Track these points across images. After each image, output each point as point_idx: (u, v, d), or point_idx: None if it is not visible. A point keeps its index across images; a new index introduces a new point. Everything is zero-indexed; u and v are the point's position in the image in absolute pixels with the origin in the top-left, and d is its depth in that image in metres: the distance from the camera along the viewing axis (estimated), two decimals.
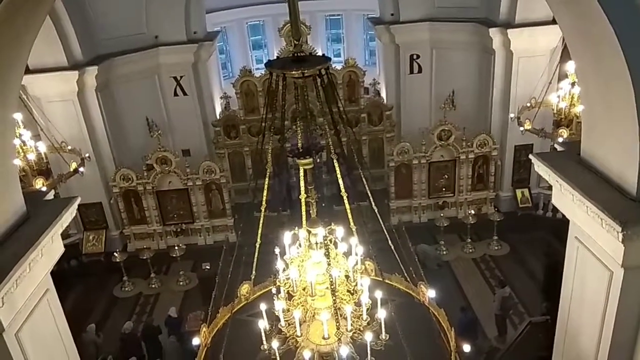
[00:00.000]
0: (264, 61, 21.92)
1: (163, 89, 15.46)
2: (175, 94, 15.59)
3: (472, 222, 13.90)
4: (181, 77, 15.42)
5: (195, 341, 5.01)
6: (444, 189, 15.01)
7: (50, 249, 4.24)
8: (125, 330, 10.37)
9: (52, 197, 4.55)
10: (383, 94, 17.23)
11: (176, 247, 13.41)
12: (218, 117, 16.33)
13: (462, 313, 10.20)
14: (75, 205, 4.46)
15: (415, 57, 15.84)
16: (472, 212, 14.32)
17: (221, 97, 17.22)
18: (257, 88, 15.60)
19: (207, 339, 4.93)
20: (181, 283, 13.37)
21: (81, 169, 9.80)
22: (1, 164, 3.86)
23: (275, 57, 16.12)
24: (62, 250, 4.51)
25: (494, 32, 13.66)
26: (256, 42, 23.22)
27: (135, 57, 14.28)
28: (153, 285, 13.34)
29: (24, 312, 3.99)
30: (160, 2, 14.36)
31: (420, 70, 15.96)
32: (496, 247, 13.96)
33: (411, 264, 5.28)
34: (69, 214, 4.36)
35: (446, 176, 14.91)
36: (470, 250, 13.94)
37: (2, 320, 3.59)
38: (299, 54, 3.58)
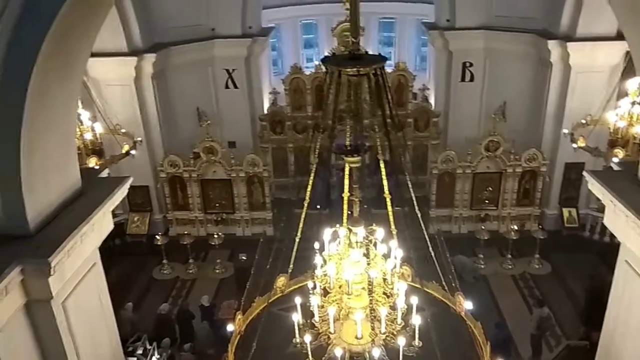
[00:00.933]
0: (314, 60, 22.12)
1: (215, 80, 15.80)
2: (227, 87, 15.90)
3: (514, 237, 13.55)
4: (233, 70, 15.72)
5: (230, 327, 5.11)
6: (487, 201, 14.68)
7: (100, 225, 4.41)
8: (161, 311, 10.67)
9: (105, 175, 4.72)
10: (431, 100, 17.03)
11: (215, 236, 13.68)
12: (265, 111, 16.55)
13: (497, 329, 9.96)
14: (127, 185, 4.63)
15: (468, 64, 15.57)
16: (515, 227, 13.94)
17: (270, 93, 17.45)
18: (306, 86, 15.72)
19: (242, 326, 5.03)
20: (217, 271, 13.64)
21: (133, 152, 10.16)
22: (64, 140, 4.05)
23: (326, 56, 16.29)
24: (111, 227, 4.68)
25: (552, 45, 13.26)
26: (308, 40, 23.40)
27: (191, 47, 14.66)
28: (190, 271, 13.67)
29: (71, 283, 4.17)
30: None
31: (472, 79, 15.69)
32: (537, 266, 13.55)
33: (447, 275, 5.21)
34: (121, 193, 4.53)
35: (490, 188, 14.58)
36: (510, 267, 13.59)
37: (52, 288, 3.75)
38: (355, 52, 3.59)
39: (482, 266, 13.49)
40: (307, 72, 16.44)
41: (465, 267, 12.61)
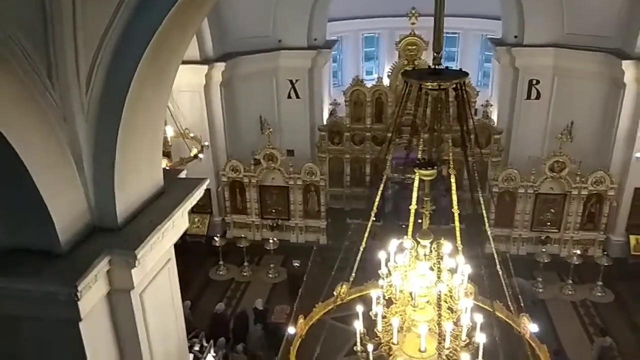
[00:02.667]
0: (374, 73, 22.21)
1: (278, 90, 16.21)
2: (289, 97, 16.27)
3: (576, 262, 13.03)
4: (296, 80, 16.06)
5: (291, 330, 5.23)
6: (548, 224, 14.19)
7: (179, 222, 4.59)
8: (217, 311, 10.99)
9: (184, 176, 4.96)
10: (494, 117, 16.70)
11: (270, 241, 13.97)
12: (325, 122, 16.78)
13: (555, 356, 9.58)
14: (204, 186, 4.82)
15: (534, 82, 15.20)
16: (578, 252, 13.40)
17: (330, 104, 17.69)
18: (366, 98, 15.84)
19: (303, 330, 5.13)
20: (270, 275, 13.90)
21: (201, 155, 10.58)
22: (152, 143, 4.29)
23: (388, 71, 16.43)
24: (187, 225, 4.86)
25: (627, 65, 12.75)
26: (368, 53, 23.53)
27: (258, 57, 15.14)
28: (245, 273, 14.00)
29: (149, 275, 4.35)
30: (288, 8, 15.12)
31: (538, 97, 15.29)
32: (599, 294, 12.94)
33: (502, 297, 5.10)
34: (199, 193, 4.72)
35: (553, 210, 14.10)
36: (570, 292, 13.05)
37: (134, 279, 3.94)
38: (436, 67, 3.65)
39: (541, 290, 13.04)
40: (368, 84, 16.56)
41: (523, 290, 12.19)
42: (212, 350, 9.28)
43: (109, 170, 3.73)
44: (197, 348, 9.02)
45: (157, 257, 4.43)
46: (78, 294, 3.27)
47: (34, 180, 3.19)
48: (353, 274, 5.41)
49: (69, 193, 3.56)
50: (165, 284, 4.83)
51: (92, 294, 3.62)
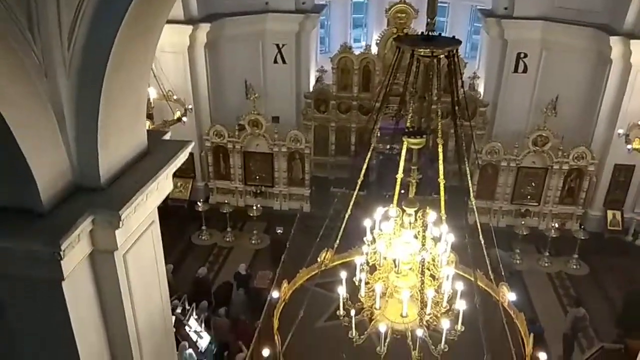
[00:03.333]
0: (362, 40, 21.91)
1: (265, 54, 15.90)
2: (275, 61, 15.99)
3: (554, 235, 13.33)
4: (283, 45, 15.77)
5: (275, 294, 5.28)
6: (529, 197, 14.43)
7: (163, 184, 4.54)
8: (199, 275, 11.05)
9: (168, 138, 4.88)
10: (480, 89, 16.69)
11: (254, 207, 13.98)
12: (311, 89, 16.60)
13: (531, 324, 9.88)
14: (189, 148, 4.76)
15: (522, 55, 15.17)
16: (556, 225, 13.69)
17: (317, 71, 17.45)
18: (354, 66, 15.66)
19: (287, 294, 5.18)
20: (253, 242, 13.96)
21: (184, 119, 10.41)
22: (136, 102, 4.20)
23: (376, 39, 16.20)
24: (171, 188, 4.82)
25: (614, 41, 12.77)
26: (356, 20, 23.13)
27: (245, 19, 14.77)
28: (228, 239, 14.03)
29: (133, 237, 4.33)
30: None
31: (525, 70, 15.29)
32: (575, 266, 13.31)
33: (481, 267, 5.20)
34: (184, 155, 4.66)
35: (534, 184, 14.32)
36: (546, 264, 13.40)
37: (118, 239, 3.91)
38: (429, 33, 3.59)
39: (518, 261, 13.35)
40: (355, 52, 16.35)
41: (502, 261, 12.48)
42: (194, 313, 9.38)
43: (92, 129, 3.64)
44: (179, 311, 9.09)
45: (141, 219, 4.40)
46: (61, 253, 3.24)
47: (15, 137, 3.10)
48: (337, 241, 5.46)
49: (51, 151, 3.48)
50: (148, 246, 4.81)
51: (75, 254, 3.59)
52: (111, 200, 3.81)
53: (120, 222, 3.78)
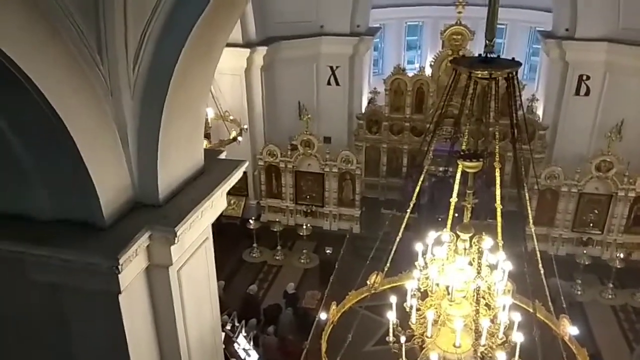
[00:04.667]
0: (416, 62, 21.81)
1: (318, 76, 16.10)
2: (329, 83, 16.15)
3: (619, 266, 12.55)
4: (337, 67, 15.93)
5: (323, 316, 5.23)
6: (591, 225, 13.70)
7: (217, 202, 4.63)
8: (250, 291, 11.14)
9: (223, 157, 4.98)
10: (539, 112, 16.17)
11: (304, 226, 14.03)
12: (363, 110, 16.63)
13: None
14: (243, 168, 4.84)
15: (584, 77, 14.59)
16: (621, 255, 12.89)
17: (370, 92, 17.49)
18: (407, 87, 15.58)
19: (335, 317, 5.12)
20: (302, 261, 13.98)
21: (240, 138, 10.66)
22: (195, 122, 4.32)
23: (430, 60, 16.08)
24: (224, 206, 4.90)
25: None
26: (411, 42, 23.09)
27: (300, 43, 15.06)
28: (277, 257, 14.12)
29: (187, 253, 4.42)
30: None
31: (587, 93, 14.67)
32: None
33: (540, 297, 4.94)
34: (238, 174, 4.74)
35: (596, 211, 13.60)
36: (610, 296, 12.61)
37: (173, 255, 3.99)
38: (488, 55, 3.51)
39: (579, 292, 12.64)
40: (409, 73, 16.27)
41: (561, 291, 11.86)
42: (243, 331, 9.43)
43: (152, 147, 3.77)
44: (228, 327, 9.17)
45: (196, 236, 4.49)
46: (119, 266, 3.34)
47: (80, 154, 3.25)
48: (387, 264, 5.36)
49: (114, 168, 3.63)
50: (202, 262, 4.90)
51: (132, 268, 3.70)
52: (168, 217, 3.91)
53: (176, 239, 3.87)
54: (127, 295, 3.77)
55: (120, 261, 3.37)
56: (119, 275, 3.43)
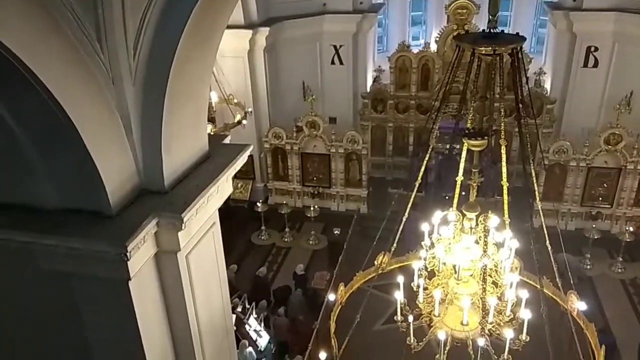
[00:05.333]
0: (421, 38, 21.51)
1: (322, 56, 15.97)
2: (332, 62, 16.02)
3: (628, 240, 12.51)
4: (340, 46, 15.77)
5: (331, 297, 5.27)
6: (600, 199, 13.63)
7: (223, 187, 4.63)
8: (259, 274, 11.25)
9: (228, 142, 4.97)
10: (546, 86, 15.96)
11: (311, 208, 14.07)
12: (368, 89, 16.49)
13: (601, 335, 9.31)
14: (248, 152, 4.82)
15: (592, 49, 14.34)
16: (630, 229, 12.84)
17: (374, 70, 17.33)
18: (412, 65, 15.42)
19: (343, 297, 5.16)
20: (311, 242, 14.05)
21: (244, 122, 10.63)
22: (198, 107, 4.30)
23: (435, 36, 15.87)
24: (230, 190, 4.90)
25: None
26: (415, 18, 22.73)
27: (302, 22, 14.89)
28: (286, 239, 14.21)
29: (195, 238, 4.44)
30: None
31: (596, 65, 14.45)
32: None
33: (548, 273, 4.94)
34: (243, 159, 4.73)
35: (605, 185, 13.51)
36: (620, 270, 12.59)
37: (180, 241, 4.02)
38: (491, 31, 3.44)
39: (589, 267, 12.64)
40: (414, 50, 16.07)
41: (570, 267, 11.87)
42: (254, 312, 9.54)
43: (156, 134, 3.77)
44: (239, 309, 9.28)
45: (203, 221, 4.51)
46: (127, 254, 3.36)
47: (85, 143, 3.25)
48: (394, 245, 5.37)
49: (118, 155, 3.63)
50: (210, 246, 4.93)
51: (140, 255, 3.73)
52: (174, 203, 3.93)
53: (183, 224, 3.89)
54: (137, 281, 3.81)
55: (129, 248, 3.40)
56: (128, 263, 3.46)
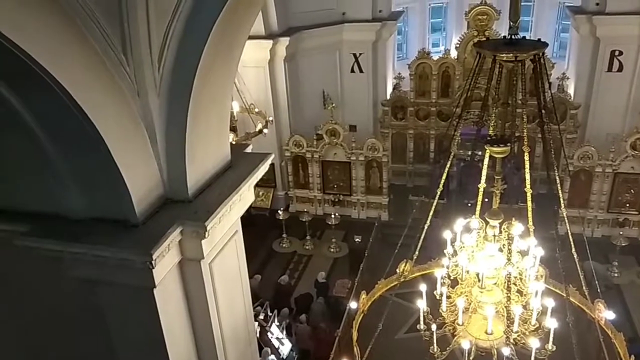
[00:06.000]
0: (441, 45, 21.42)
1: (342, 64, 16.01)
2: (352, 71, 16.05)
3: None
4: (360, 54, 15.80)
5: (353, 305, 5.26)
6: (627, 205, 13.31)
7: (245, 196, 4.68)
8: (281, 282, 11.27)
9: (249, 151, 5.03)
10: (570, 91, 15.72)
11: (332, 216, 14.06)
12: (388, 97, 16.47)
13: (630, 344, 9.07)
14: (269, 161, 4.87)
15: (617, 53, 14.09)
16: None
17: (394, 78, 17.32)
18: (432, 71, 15.35)
19: (365, 305, 5.14)
20: (332, 250, 14.03)
21: (265, 130, 10.72)
22: (220, 117, 4.37)
23: (456, 42, 15.79)
24: (252, 199, 4.94)
25: None
26: (435, 25, 22.65)
27: (322, 31, 14.96)
28: (307, 247, 14.22)
29: (218, 246, 4.49)
30: None
31: (620, 69, 14.17)
32: None
33: (574, 281, 4.83)
34: (264, 167, 4.78)
35: (633, 191, 13.20)
36: None
37: (204, 249, 4.07)
38: (513, 37, 3.42)
39: (616, 275, 12.34)
40: (434, 57, 16.00)
41: (597, 275, 11.60)
42: (276, 320, 9.56)
43: (180, 144, 3.84)
44: (261, 317, 9.31)
45: (226, 229, 4.57)
46: (153, 262, 3.42)
47: (111, 154, 3.34)
48: (416, 252, 5.33)
49: (144, 166, 3.71)
50: (232, 254, 4.98)
51: (165, 263, 3.79)
52: (198, 212, 3.99)
53: (207, 233, 3.95)
54: (162, 289, 3.87)
55: (154, 256, 3.46)
56: (153, 270, 3.52)
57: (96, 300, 3.89)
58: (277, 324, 9.58)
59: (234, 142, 8.93)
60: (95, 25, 3.07)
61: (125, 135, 3.48)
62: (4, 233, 3.78)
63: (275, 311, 9.89)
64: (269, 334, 9.31)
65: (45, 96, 3.03)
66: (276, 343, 9.33)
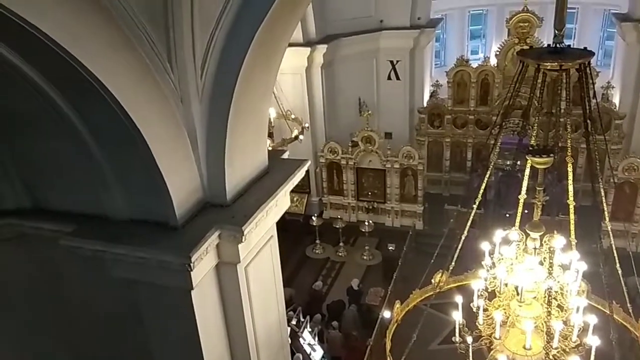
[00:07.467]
0: (480, 52, 21.11)
1: (378, 71, 16.01)
2: (389, 78, 16.01)
3: None
4: (397, 61, 15.75)
5: (387, 314, 5.21)
6: None
7: (281, 201, 4.72)
8: (315, 287, 11.29)
9: (286, 157, 5.07)
10: (615, 100, 15.20)
11: (366, 223, 14.00)
12: (425, 104, 16.34)
13: None
14: (305, 167, 4.90)
15: None
16: None
17: (431, 85, 17.17)
18: (471, 79, 15.15)
19: (399, 315, 5.09)
20: (365, 257, 13.97)
21: (301, 137, 10.81)
22: (259, 123, 4.42)
23: (495, 50, 15.53)
24: (288, 204, 4.98)
25: None
26: (474, 32, 22.34)
27: (359, 39, 15.01)
28: (340, 254, 14.21)
29: (254, 250, 4.53)
30: None
31: None
32: None
33: (618, 297, 4.64)
34: (301, 174, 4.81)
35: None
36: None
37: (240, 253, 4.12)
38: (557, 46, 3.35)
39: None
40: (472, 64, 15.78)
41: None
42: (308, 326, 9.57)
43: (220, 150, 3.91)
44: (294, 322, 9.34)
45: (262, 234, 4.61)
46: (191, 264, 3.49)
47: (154, 158, 3.43)
48: (453, 262, 5.25)
49: (185, 170, 3.79)
50: (267, 259, 5.02)
51: (203, 266, 3.86)
52: (235, 217, 4.05)
53: (244, 237, 4.00)
54: (199, 291, 3.93)
55: (193, 259, 3.52)
56: (191, 273, 3.59)
57: (134, 301, 3.99)
58: (310, 330, 9.59)
59: (270, 148, 9.04)
60: (142, 32, 3.16)
61: (168, 140, 3.56)
62: (52, 233, 3.93)
63: (308, 317, 9.90)
64: (301, 339, 9.32)
65: (95, 103, 3.14)
66: (308, 349, 9.33)
